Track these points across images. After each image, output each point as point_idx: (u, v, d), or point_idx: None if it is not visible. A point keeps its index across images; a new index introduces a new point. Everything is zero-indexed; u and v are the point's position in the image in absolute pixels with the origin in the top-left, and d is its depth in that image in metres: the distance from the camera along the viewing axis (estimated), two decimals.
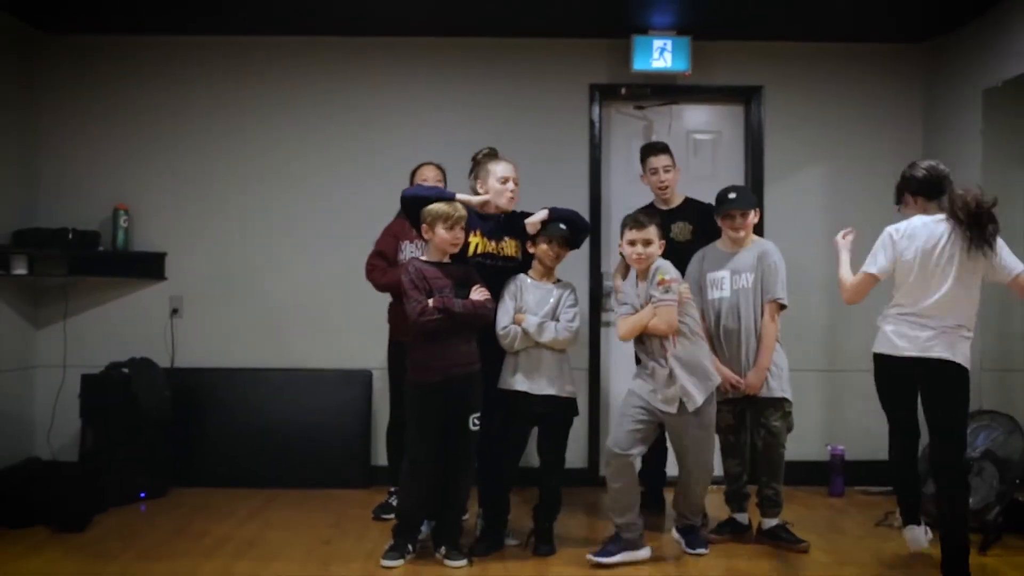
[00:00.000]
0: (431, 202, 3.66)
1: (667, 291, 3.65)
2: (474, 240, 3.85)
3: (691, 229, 4.36)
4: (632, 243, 3.77)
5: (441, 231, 3.62)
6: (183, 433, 4.99)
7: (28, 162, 5.13)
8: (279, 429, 5.05)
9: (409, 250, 4.27)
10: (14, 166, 5.01)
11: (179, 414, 4.95)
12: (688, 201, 4.47)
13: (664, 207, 4.42)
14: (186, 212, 5.24)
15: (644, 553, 3.74)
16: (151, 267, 5.17)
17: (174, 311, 5.21)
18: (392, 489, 4.41)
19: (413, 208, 3.70)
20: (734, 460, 4.14)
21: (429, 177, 4.37)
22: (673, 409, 3.68)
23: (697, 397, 3.67)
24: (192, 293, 5.22)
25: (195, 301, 5.22)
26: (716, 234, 4.20)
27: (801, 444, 4.98)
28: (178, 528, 4.19)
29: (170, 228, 5.22)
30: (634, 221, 3.80)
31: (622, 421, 3.76)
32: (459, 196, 3.76)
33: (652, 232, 3.74)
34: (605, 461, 3.84)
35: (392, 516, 4.17)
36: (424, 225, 3.67)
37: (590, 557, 3.67)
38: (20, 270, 4.78)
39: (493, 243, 3.90)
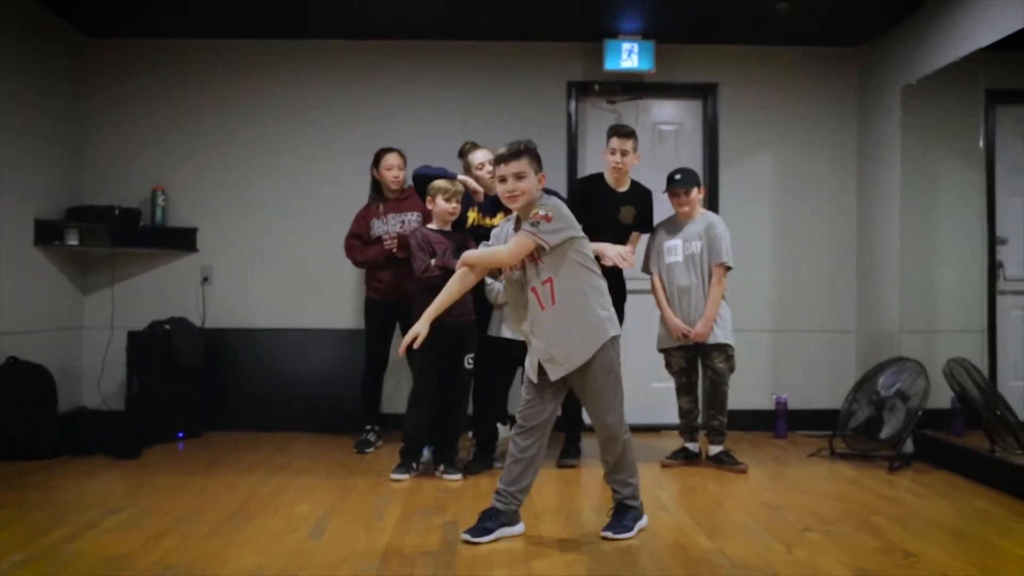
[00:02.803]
0: (437, 179, 4.41)
1: (534, 224, 3.15)
2: (472, 215, 4.63)
3: (634, 213, 4.74)
4: (502, 180, 3.22)
5: (441, 202, 4.36)
6: (212, 386, 5.68)
7: (78, 149, 5.81)
8: (295, 382, 5.77)
9: (377, 225, 5.09)
10: (67, 152, 5.68)
11: (208, 369, 5.64)
12: (634, 185, 4.80)
13: (615, 188, 4.74)
14: (215, 193, 5.91)
15: (520, 528, 3.41)
16: (185, 240, 5.85)
17: (205, 279, 5.89)
18: (368, 427, 5.21)
19: (423, 184, 4.46)
20: (687, 398, 4.87)
21: (393, 163, 5.12)
22: (533, 377, 3.35)
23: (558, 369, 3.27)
24: (220, 263, 5.90)
25: (223, 270, 5.90)
26: (650, 216, 4.86)
27: (750, 394, 5.79)
28: (216, 457, 4.92)
29: (201, 207, 5.89)
30: (498, 155, 3.24)
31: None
32: (460, 177, 4.52)
33: (525, 164, 3.19)
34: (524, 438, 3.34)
35: (371, 450, 5.09)
36: (428, 196, 4.41)
37: (465, 536, 3.30)
38: (72, 241, 5.47)
39: (487, 218, 4.66)
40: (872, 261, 5.84)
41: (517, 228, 3.28)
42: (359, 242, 5.16)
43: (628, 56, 5.74)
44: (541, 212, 3.15)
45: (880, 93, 5.71)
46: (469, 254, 3.39)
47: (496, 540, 3.31)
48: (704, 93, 6.06)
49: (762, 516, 3.75)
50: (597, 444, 3.46)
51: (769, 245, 6.02)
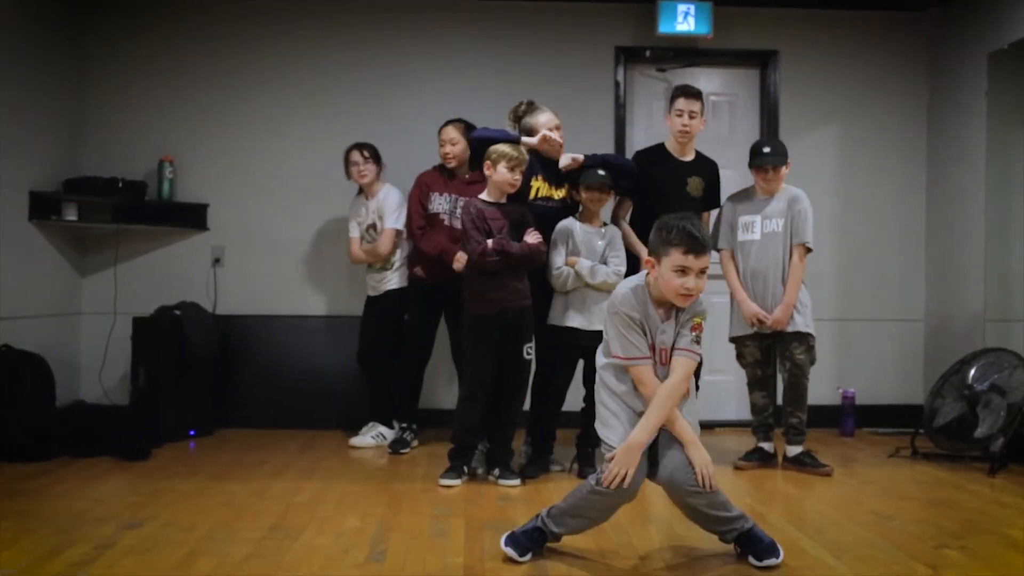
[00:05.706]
0: (499, 143, 3.89)
1: (698, 341, 2.80)
2: (535, 184, 4.11)
3: (703, 186, 4.37)
4: (685, 271, 2.72)
5: (503, 170, 3.84)
6: (225, 378, 5.16)
7: (78, 115, 5.28)
8: (318, 374, 5.25)
9: (436, 200, 4.55)
10: (66, 119, 5.16)
11: (221, 359, 5.11)
12: (699, 155, 4.43)
13: (680, 157, 4.38)
14: (228, 165, 5.39)
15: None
16: (194, 217, 5.32)
17: (216, 260, 5.36)
18: (403, 424, 4.69)
19: (482, 148, 3.94)
20: (760, 393, 4.40)
21: (446, 137, 4.56)
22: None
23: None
24: (233, 243, 5.38)
25: (236, 251, 5.38)
26: (718, 191, 4.41)
27: (814, 388, 5.25)
28: (235, 458, 4.40)
29: (213, 180, 5.37)
30: (691, 246, 2.69)
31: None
32: (524, 139, 4.01)
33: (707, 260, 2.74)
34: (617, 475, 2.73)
35: (407, 451, 4.56)
36: (488, 162, 3.89)
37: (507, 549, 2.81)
38: (71, 216, 4.94)
39: (553, 188, 4.16)
40: (946, 245, 5.39)
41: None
42: (425, 222, 4.55)
43: (684, 18, 5.30)
44: (704, 322, 2.81)
45: (959, 61, 5.25)
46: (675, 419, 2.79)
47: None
48: (763, 61, 5.60)
49: (880, 528, 3.27)
50: None
51: (831, 227, 5.53)
